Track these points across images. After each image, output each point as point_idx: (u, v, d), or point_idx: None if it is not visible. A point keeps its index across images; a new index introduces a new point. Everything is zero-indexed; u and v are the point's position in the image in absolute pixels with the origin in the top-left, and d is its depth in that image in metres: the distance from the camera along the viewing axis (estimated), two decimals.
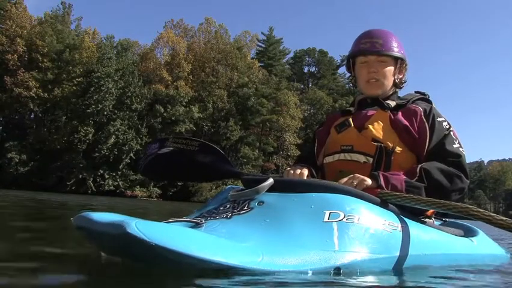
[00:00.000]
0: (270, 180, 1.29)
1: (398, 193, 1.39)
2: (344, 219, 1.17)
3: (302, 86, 51.82)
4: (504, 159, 75.54)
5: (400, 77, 1.80)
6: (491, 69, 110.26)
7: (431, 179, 1.51)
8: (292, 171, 1.65)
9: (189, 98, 35.12)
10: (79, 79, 33.21)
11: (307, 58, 56.27)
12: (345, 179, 1.48)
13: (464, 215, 1.31)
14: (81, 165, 32.08)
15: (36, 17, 35.91)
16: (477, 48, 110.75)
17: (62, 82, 33.08)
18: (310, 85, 53.28)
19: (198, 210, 1.36)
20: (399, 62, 1.77)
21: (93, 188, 31.58)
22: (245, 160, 36.22)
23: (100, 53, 34.04)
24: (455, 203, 1.35)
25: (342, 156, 1.67)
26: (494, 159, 77.85)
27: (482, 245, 1.73)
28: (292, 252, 1.03)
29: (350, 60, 1.84)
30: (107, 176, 32.47)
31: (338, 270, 1.07)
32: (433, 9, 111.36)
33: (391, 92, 1.79)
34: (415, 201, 1.36)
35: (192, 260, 0.89)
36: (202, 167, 1.69)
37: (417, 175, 1.51)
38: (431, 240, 1.41)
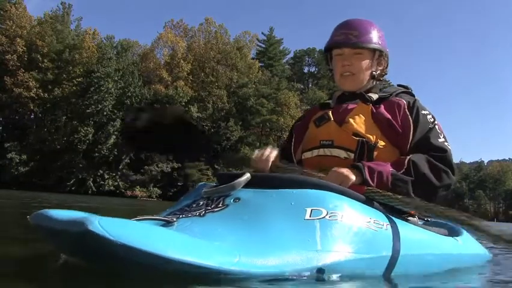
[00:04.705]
0: (247, 175, 1.21)
1: (385, 192, 1.34)
2: (327, 217, 1.10)
3: (302, 86, 51.77)
4: (504, 159, 75.21)
5: (379, 69, 1.71)
6: (491, 69, 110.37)
7: (419, 172, 1.44)
8: (260, 153, 1.60)
9: (188, 98, 35.11)
10: (79, 79, 33.18)
11: (307, 58, 56.29)
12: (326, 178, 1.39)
13: (459, 223, 1.28)
14: (81, 165, 32.08)
15: (36, 17, 35.99)
16: (477, 48, 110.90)
17: (62, 82, 33.06)
18: (310, 85, 53.27)
19: (169, 209, 1.28)
20: (377, 54, 1.68)
21: (93, 188, 31.58)
22: None
23: (100, 53, 34.02)
24: (449, 210, 1.29)
25: (321, 151, 1.59)
26: (494, 159, 77.62)
27: (467, 245, 1.70)
28: (271, 252, 0.97)
29: (328, 53, 1.77)
30: (107, 176, 32.47)
31: (320, 271, 1.02)
32: (436, 9, 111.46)
33: (370, 86, 1.70)
34: (403, 203, 1.31)
35: (162, 261, 0.82)
36: (176, 140, 1.63)
37: (405, 167, 1.44)
38: (418, 240, 1.35)
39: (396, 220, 1.32)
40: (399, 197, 1.33)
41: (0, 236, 1.98)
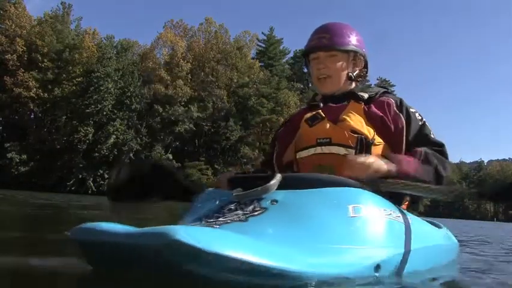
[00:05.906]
0: (278, 177, 1.16)
1: (408, 182, 1.33)
2: (368, 214, 1.10)
3: (302, 86, 51.76)
4: (504, 159, 75.42)
5: (356, 69, 1.73)
6: (491, 70, 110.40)
7: (432, 163, 1.48)
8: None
9: (188, 98, 35.11)
10: (79, 79, 33.17)
11: None
12: (362, 159, 1.38)
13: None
14: (81, 165, 32.09)
15: (36, 17, 35.98)
16: (477, 50, 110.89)
17: (62, 82, 33.06)
18: (310, 85, 53.19)
19: (188, 216, 1.20)
20: (351, 55, 1.70)
21: (93, 188, 31.57)
22: (245, 160, 36.21)
23: (100, 53, 34.02)
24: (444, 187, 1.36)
25: (318, 149, 1.60)
26: (494, 159, 77.72)
27: (449, 236, 1.84)
28: (333, 251, 0.97)
29: (306, 58, 1.79)
30: (107, 176, 32.42)
31: (378, 268, 1.02)
32: (439, 15, 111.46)
33: (349, 87, 1.73)
34: (426, 190, 1.34)
35: (253, 269, 0.79)
36: (159, 188, 1.70)
37: (422, 158, 1.47)
38: (427, 232, 1.45)
39: (410, 215, 1.36)
40: (424, 185, 1.35)
41: (3, 238, 1.98)
